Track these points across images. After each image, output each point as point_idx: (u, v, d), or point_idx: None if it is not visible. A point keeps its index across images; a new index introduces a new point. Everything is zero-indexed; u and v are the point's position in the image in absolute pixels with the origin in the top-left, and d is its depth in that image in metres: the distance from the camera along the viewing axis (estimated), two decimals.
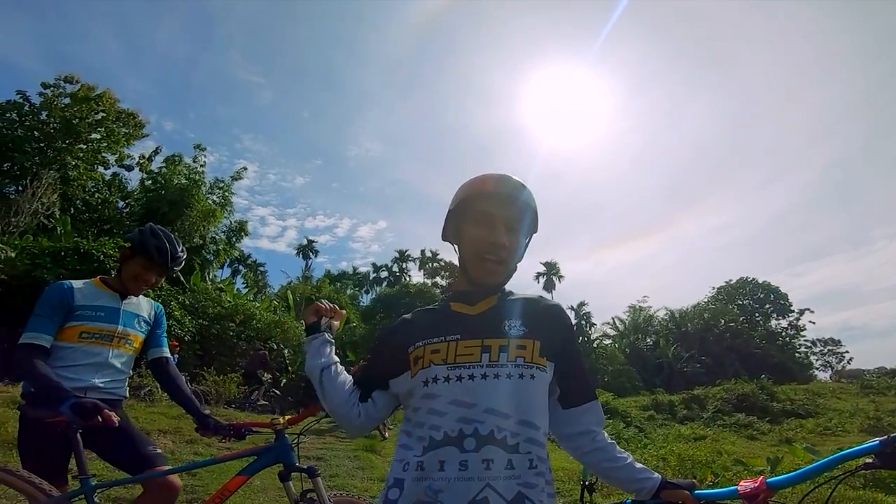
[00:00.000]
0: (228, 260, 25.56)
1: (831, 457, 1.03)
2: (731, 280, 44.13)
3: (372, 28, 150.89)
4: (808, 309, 41.30)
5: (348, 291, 40.06)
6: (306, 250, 53.66)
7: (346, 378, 1.26)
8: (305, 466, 2.13)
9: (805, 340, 41.53)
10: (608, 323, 39.87)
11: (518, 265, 1.24)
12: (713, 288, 44.27)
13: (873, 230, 77.19)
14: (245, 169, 26.50)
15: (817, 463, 1.04)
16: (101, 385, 2.10)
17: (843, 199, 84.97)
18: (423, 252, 50.72)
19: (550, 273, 51.44)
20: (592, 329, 40.16)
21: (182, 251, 2.30)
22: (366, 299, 43.41)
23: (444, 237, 1.31)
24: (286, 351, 16.98)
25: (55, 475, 1.94)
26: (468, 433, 1.02)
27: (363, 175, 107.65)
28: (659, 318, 38.67)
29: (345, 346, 22.47)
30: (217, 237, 22.02)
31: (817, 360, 42.12)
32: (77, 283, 2.20)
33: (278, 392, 15.76)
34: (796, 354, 39.43)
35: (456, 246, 1.26)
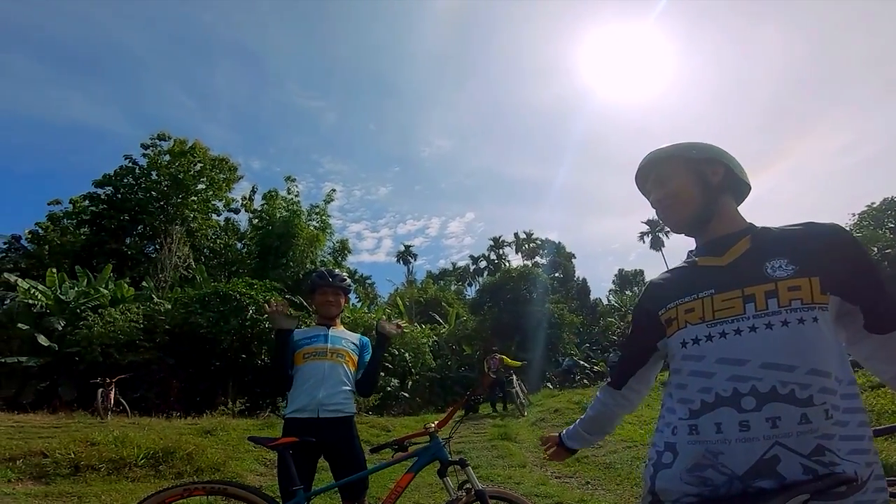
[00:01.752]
0: None
1: None
2: (873, 203, 37.70)
3: (406, 27, 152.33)
4: None
5: (452, 287, 41.02)
6: (405, 256, 55.81)
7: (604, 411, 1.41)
8: (458, 459, 2.44)
9: None
10: None
11: (722, 192, 1.19)
12: (853, 214, 38.07)
13: None
14: (334, 190, 28.30)
15: None
16: (324, 399, 2.52)
17: None
18: (516, 235, 50.35)
19: (655, 231, 48.12)
20: None
21: (339, 272, 2.83)
22: (470, 292, 44.07)
23: None
24: (406, 354, 17.78)
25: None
26: (745, 392, 0.97)
27: (441, 172, 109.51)
28: None
29: (460, 340, 22.96)
30: (325, 260, 23.70)
31: None
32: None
33: (406, 394, 16.54)
34: None
35: None
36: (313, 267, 21.93)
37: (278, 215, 22.98)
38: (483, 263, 51.77)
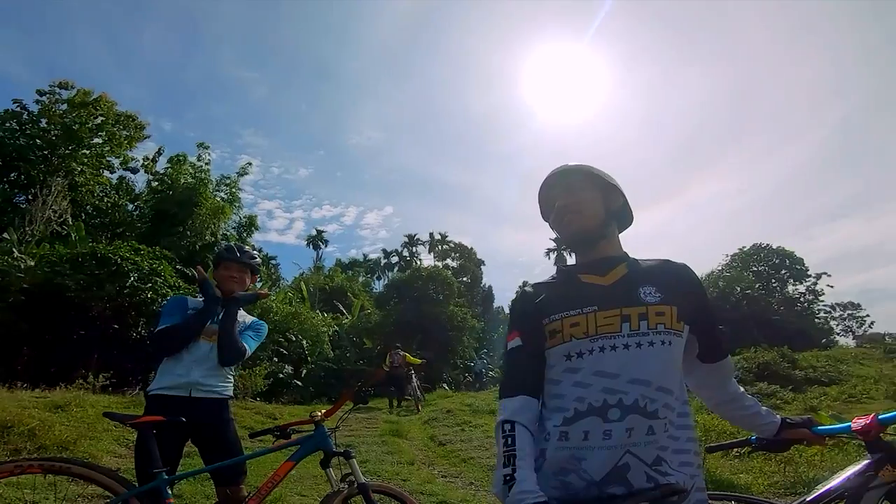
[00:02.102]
0: None
1: None
2: (744, 246, 43.41)
3: (361, 17, 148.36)
4: (825, 273, 40.62)
5: (360, 279, 40.25)
6: (316, 241, 53.85)
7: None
8: (342, 450, 2.36)
9: (824, 305, 40.93)
10: None
11: (614, 217, 1.30)
12: (727, 255, 43.57)
13: (882, 192, 75.46)
14: (250, 164, 26.55)
15: None
16: (200, 379, 2.33)
17: (855, 159, 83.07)
18: (431, 235, 50.71)
19: (561, 249, 51.22)
20: None
21: (250, 249, 2.69)
22: (378, 285, 43.61)
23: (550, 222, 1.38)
24: (304, 342, 17.12)
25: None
26: (612, 403, 1.05)
27: (366, 163, 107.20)
28: None
29: (361, 333, 22.61)
30: (228, 234, 22.14)
31: (838, 325, 41.72)
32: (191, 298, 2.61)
33: (299, 383, 15.93)
34: (816, 320, 38.91)
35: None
36: (213, 239, 20.39)
37: (182, 181, 21.02)
38: (395, 259, 51.51)
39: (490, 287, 46.93)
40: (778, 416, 1.35)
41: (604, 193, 1.28)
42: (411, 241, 51.78)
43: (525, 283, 1.36)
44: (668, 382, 1.08)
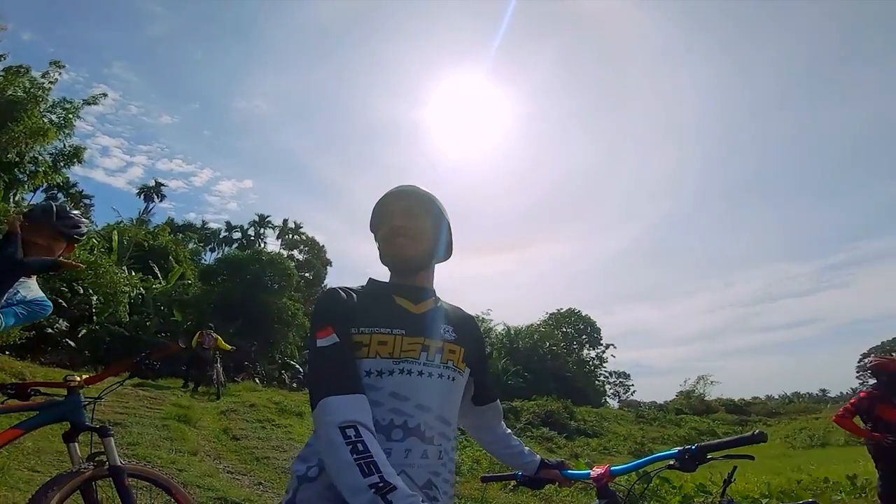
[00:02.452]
0: (46, 185, 21.05)
1: (651, 456, 1.40)
2: (561, 308, 49.74)
3: None
4: (613, 344, 48.45)
5: (191, 245, 35.68)
6: (151, 192, 46.52)
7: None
8: (97, 426, 2.00)
9: (605, 371, 48.64)
10: None
11: (439, 251, 1.34)
12: (546, 313, 49.41)
13: (674, 286, 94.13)
14: (104, 95, 22.00)
15: (642, 459, 1.40)
16: None
17: (660, 255, 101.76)
18: (285, 222, 47.73)
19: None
20: None
21: (75, 214, 2.31)
22: (210, 258, 39.28)
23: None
24: (94, 298, 14.45)
25: None
26: (398, 424, 1.08)
27: (242, 130, 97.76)
28: (497, 332, 41.78)
29: (173, 303, 19.97)
30: (40, 158, 17.99)
31: (610, 389, 49.62)
32: None
33: (73, 343, 13.40)
34: (596, 382, 45.91)
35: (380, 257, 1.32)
36: (18, 160, 16.38)
37: (9, 93, 16.63)
38: (238, 235, 47.07)
39: None
40: (538, 456, 1.50)
41: (436, 225, 1.33)
42: (262, 221, 47.95)
43: (337, 286, 1.29)
44: (448, 414, 1.16)
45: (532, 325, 45.14)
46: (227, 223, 47.82)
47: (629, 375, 50.95)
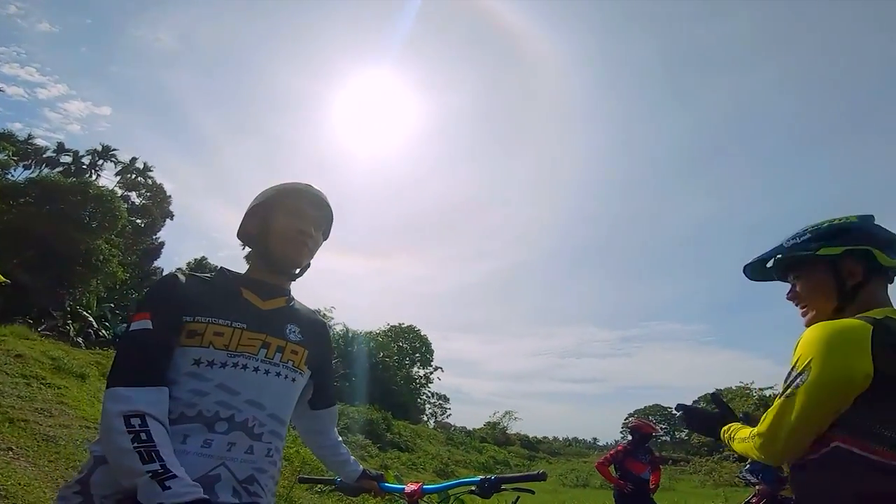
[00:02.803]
0: None
1: (459, 481, 1.56)
2: (402, 323, 50.69)
3: None
4: (441, 368, 50.68)
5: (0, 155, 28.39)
6: None
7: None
8: None
9: (428, 391, 50.53)
10: None
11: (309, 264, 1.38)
12: (388, 324, 49.88)
13: (507, 326, 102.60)
14: None
15: (451, 483, 1.56)
16: None
17: (504, 296, 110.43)
18: (133, 160, 40.96)
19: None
20: None
21: None
22: (19, 174, 31.75)
23: (241, 233, 1.34)
24: None
25: None
26: (223, 417, 1.08)
27: (128, 58, 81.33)
28: (335, 331, 40.88)
29: None
30: None
31: (430, 409, 51.54)
32: None
33: None
34: (418, 400, 47.46)
35: (254, 240, 1.31)
36: None
37: None
38: (68, 159, 38.93)
39: (163, 243, 39.99)
40: (361, 466, 1.58)
41: (324, 238, 1.41)
42: (105, 152, 40.26)
43: (179, 270, 1.28)
44: (282, 413, 1.18)
45: (371, 332, 45.13)
46: (60, 144, 39.19)
47: (449, 399, 53.49)
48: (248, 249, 1.35)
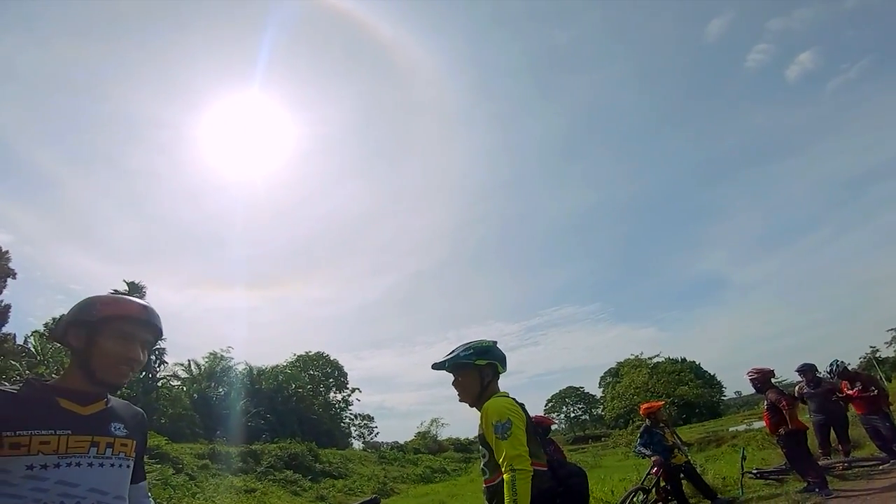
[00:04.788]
0: None
1: None
2: (310, 351, 48.49)
3: None
4: (359, 388, 49.13)
5: None
6: None
7: None
8: None
9: (350, 413, 48.57)
10: (182, 364, 35.57)
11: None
12: (294, 354, 47.35)
13: (417, 336, 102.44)
14: None
15: None
16: None
17: (409, 307, 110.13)
18: None
19: (133, 293, 43.22)
20: (162, 367, 34.77)
21: None
22: None
23: (59, 336, 1.43)
24: None
25: None
26: None
27: None
28: (238, 371, 37.50)
29: None
30: None
31: (356, 431, 49.62)
32: None
33: None
34: (342, 424, 45.41)
35: (75, 352, 1.41)
36: None
37: None
38: None
39: (8, 306, 33.10)
40: None
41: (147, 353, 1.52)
42: None
43: None
44: (122, 492, 1.38)
45: (278, 365, 42.37)
46: None
47: (373, 418, 52.02)
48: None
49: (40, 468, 1.22)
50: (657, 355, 54.76)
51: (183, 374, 35.25)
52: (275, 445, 22.39)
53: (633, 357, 56.53)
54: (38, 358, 27.29)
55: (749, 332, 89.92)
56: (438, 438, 41.47)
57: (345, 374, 49.19)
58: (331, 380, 48.68)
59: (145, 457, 1.64)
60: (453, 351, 2.28)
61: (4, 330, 32.31)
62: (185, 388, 33.16)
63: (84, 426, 1.32)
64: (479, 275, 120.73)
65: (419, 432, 44.04)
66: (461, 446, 38.74)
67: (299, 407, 37.35)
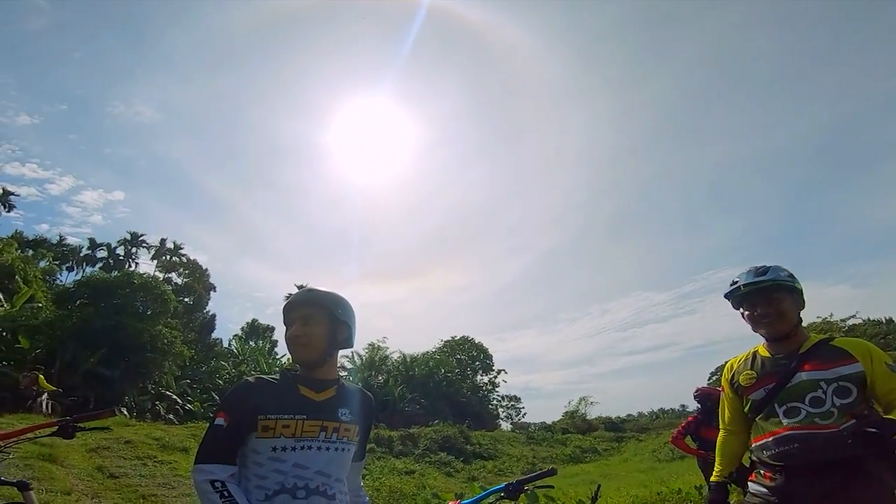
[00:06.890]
0: None
1: (489, 490, 1.94)
2: (455, 336, 50.59)
3: None
4: (504, 370, 50.27)
5: (43, 263, 30.69)
6: None
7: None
8: (15, 480, 2.06)
9: (497, 395, 50.19)
10: (347, 357, 40.61)
11: (330, 352, 1.62)
12: (441, 340, 49.88)
13: (559, 314, 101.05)
14: None
15: (483, 493, 1.92)
16: None
17: (547, 285, 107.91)
18: (163, 241, 43.25)
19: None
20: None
21: None
22: (67, 278, 34.21)
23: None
24: None
25: None
26: (300, 486, 1.43)
27: (117, 137, 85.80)
28: (393, 360, 41.38)
29: (18, 328, 17.06)
30: None
31: (503, 412, 51.06)
32: None
33: None
34: (489, 406, 47.21)
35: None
36: None
37: None
38: (103, 253, 41.50)
39: (213, 315, 41.66)
40: None
41: (332, 327, 1.61)
42: (135, 239, 42.78)
43: (250, 375, 1.65)
44: (342, 475, 1.55)
45: (427, 352, 45.29)
46: (91, 240, 41.85)
47: (520, 399, 52.92)
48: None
49: (281, 450, 1.42)
50: (853, 316, 45.96)
51: (348, 366, 40.31)
52: (430, 429, 24.46)
53: (819, 320, 47.89)
54: (240, 358, 33.77)
55: None
56: (587, 417, 40.94)
57: (490, 357, 50.56)
58: (477, 363, 50.43)
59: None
60: (763, 273, 1.91)
61: (213, 336, 41.20)
62: (350, 378, 37.82)
63: (316, 411, 1.50)
64: (618, 245, 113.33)
65: (567, 411, 43.78)
66: (612, 425, 37.62)
67: (449, 391, 39.80)
